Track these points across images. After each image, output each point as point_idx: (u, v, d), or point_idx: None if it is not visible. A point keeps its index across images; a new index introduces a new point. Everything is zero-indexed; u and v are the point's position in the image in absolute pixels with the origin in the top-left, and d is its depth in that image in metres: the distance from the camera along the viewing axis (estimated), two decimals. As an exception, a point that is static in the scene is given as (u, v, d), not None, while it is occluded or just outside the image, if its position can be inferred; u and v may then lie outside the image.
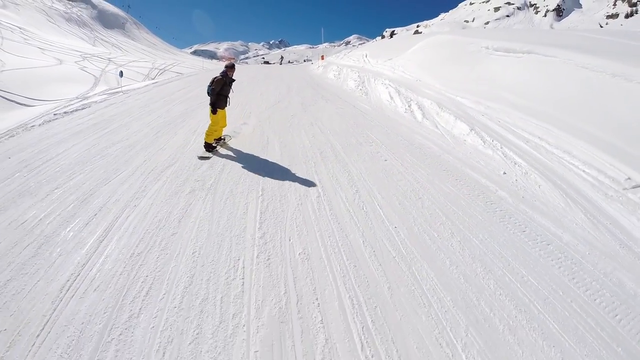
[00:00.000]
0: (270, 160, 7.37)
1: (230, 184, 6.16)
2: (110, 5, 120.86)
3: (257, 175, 6.53)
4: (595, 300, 3.52)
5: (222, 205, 5.39)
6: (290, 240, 4.53)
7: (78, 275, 3.88)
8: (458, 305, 3.39)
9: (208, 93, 7.84)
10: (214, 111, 7.74)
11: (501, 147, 7.57)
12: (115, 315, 3.33)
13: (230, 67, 8.16)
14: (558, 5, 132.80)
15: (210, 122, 7.91)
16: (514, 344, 3.02)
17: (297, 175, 6.53)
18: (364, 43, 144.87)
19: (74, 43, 57.58)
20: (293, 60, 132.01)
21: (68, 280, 3.80)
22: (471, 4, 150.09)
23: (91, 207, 5.31)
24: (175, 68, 45.19)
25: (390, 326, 3.20)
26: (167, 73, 38.41)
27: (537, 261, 4.07)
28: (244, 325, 3.22)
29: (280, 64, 48.19)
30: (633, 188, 5.62)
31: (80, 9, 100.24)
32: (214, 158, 7.56)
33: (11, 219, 4.94)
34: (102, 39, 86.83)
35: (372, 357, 2.93)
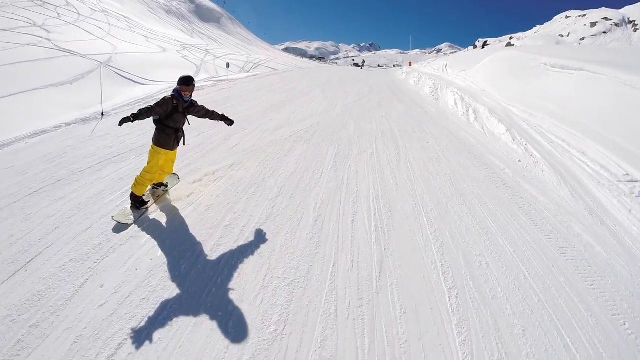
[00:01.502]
0: (346, 133, 10.31)
1: (318, 141, 9.30)
2: (207, 1, 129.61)
3: (336, 139, 9.57)
4: (536, 226, 5.67)
5: (313, 149, 8.62)
6: (349, 165, 7.62)
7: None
8: (434, 203, 6.13)
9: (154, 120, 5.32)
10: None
11: (526, 144, 9.65)
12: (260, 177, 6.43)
13: (185, 83, 5.23)
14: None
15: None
16: (458, 220, 5.61)
17: (361, 142, 9.43)
18: (455, 52, 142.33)
19: (174, 34, 62.01)
20: (383, 64, 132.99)
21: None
22: (567, 17, 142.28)
23: (230, 142, 8.80)
24: (269, 64, 48.67)
25: (392, 200, 6.05)
26: (261, 68, 42.01)
27: (505, 202, 6.44)
28: (318, 187, 6.23)
29: (361, 68, 46.73)
30: (627, 182, 6.90)
31: (179, 2, 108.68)
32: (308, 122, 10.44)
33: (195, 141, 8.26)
34: (199, 32, 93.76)
35: (377, 206, 5.78)
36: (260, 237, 4.84)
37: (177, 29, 79.14)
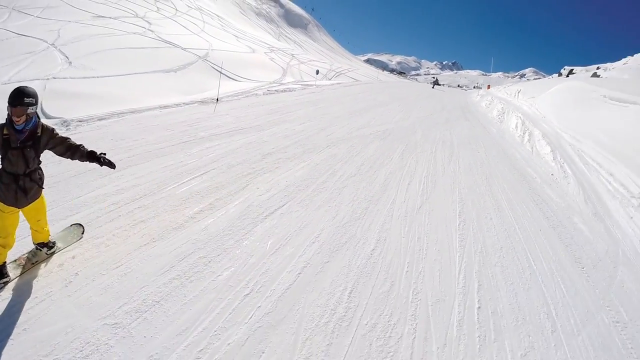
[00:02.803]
0: (413, 138, 13.02)
1: (391, 140, 12.07)
2: (296, 7, 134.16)
3: (405, 141, 12.27)
4: (541, 211, 8.20)
5: (387, 144, 11.39)
6: (412, 157, 10.09)
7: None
8: (467, 186, 8.60)
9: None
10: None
11: (563, 163, 11.74)
12: (349, 154, 9.19)
13: (11, 102, 3.37)
14: None
15: None
16: (480, 197, 8.11)
17: (425, 145, 12.11)
18: (539, 78, 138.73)
19: (262, 36, 65.86)
20: (463, 85, 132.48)
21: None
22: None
23: (325, 132, 11.67)
24: (350, 73, 51.58)
25: (437, 179, 8.59)
26: (342, 77, 44.71)
27: (523, 196, 8.82)
28: (389, 165, 8.89)
29: (433, 87, 46.47)
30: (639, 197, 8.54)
31: (269, 6, 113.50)
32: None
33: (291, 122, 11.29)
34: (285, 36, 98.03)
35: (427, 180, 8.29)
36: (350, 183, 7.73)
37: (265, 32, 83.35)
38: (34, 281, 3.79)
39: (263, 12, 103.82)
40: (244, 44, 41.05)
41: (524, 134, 15.83)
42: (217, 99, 13.80)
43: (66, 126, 8.96)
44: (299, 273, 4.46)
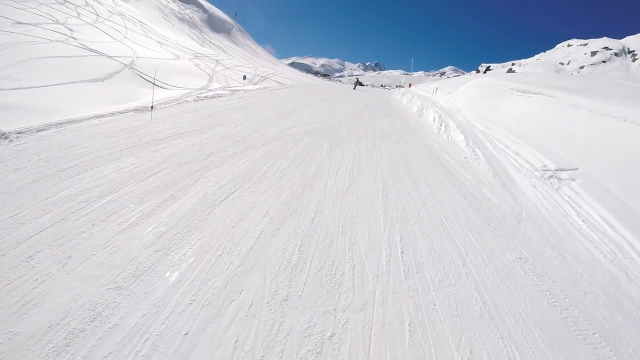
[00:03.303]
0: (339, 134, 14.42)
1: (319, 136, 13.39)
2: (220, 11, 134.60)
3: (332, 137, 13.64)
4: (453, 185, 9.87)
5: (316, 140, 12.61)
6: (339, 150, 11.46)
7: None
8: (388, 170, 10.06)
9: None
10: None
11: (475, 147, 13.36)
12: (283, 150, 10.31)
13: None
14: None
15: None
16: (400, 178, 9.57)
17: (350, 140, 13.53)
18: (458, 75, 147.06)
19: (185, 41, 65.85)
20: (386, 84, 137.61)
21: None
22: (569, 45, 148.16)
23: (259, 132, 12.78)
24: (276, 77, 52.61)
25: (362, 166, 9.92)
26: (268, 81, 45.70)
27: (438, 175, 10.48)
28: (319, 157, 10.14)
29: (354, 88, 45.20)
30: (542, 170, 9.85)
31: (192, 11, 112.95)
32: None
33: (222, 131, 12.25)
34: (209, 41, 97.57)
35: (352, 167, 9.66)
36: (286, 172, 8.85)
37: (189, 37, 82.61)
38: (32, 264, 4.46)
39: (186, 18, 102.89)
40: (168, 51, 41.11)
41: (440, 125, 17.44)
42: (152, 107, 14.38)
43: (5, 138, 9.29)
44: (257, 237, 5.65)
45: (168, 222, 5.79)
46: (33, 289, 4.11)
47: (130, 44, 34.29)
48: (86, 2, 46.85)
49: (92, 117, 11.92)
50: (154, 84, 17.38)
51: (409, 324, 4.23)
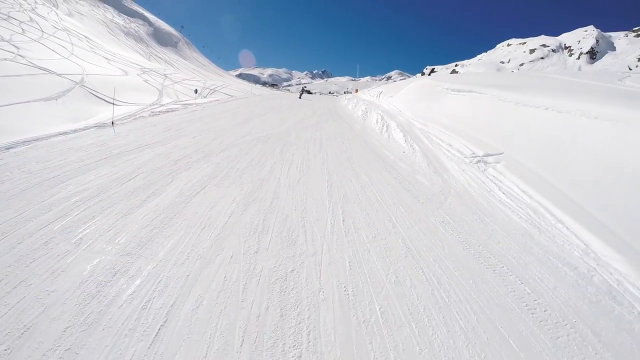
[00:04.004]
0: (289, 139, 16.07)
1: (271, 142, 14.96)
2: (165, 24, 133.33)
3: (283, 142, 15.30)
4: (390, 174, 11.63)
5: (268, 145, 14.27)
6: (289, 152, 13.13)
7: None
8: (333, 165, 11.79)
9: None
10: None
11: (412, 143, 15.15)
12: (240, 155, 11.84)
13: None
14: (592, 47, 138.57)
15: None
16: (343, 171, 11.31)
17: (299, 143, 15.22)
18: (404, 79, 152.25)
19: (132, 56, 64.69)
20: (334, 91, 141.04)
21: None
22: (508, 45, 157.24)
23: (217, 141, 14.24)
24: (225, 90, 52.78)
25: (310, 164, 11.63)
26: (217, 94, 45.95)
27: (378, 167, 12.25)
28: (272, 159, 11.73)
29: (300, 97, 49.87)
30: (471, 157, 11.29)
31: (138, 25, 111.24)
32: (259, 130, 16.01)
33: (180, 145, 13.61)
34: (156, 55, 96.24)
35: (302, 165, 11.29)
36: (246, 171, 10.42)
37: (136, 52, 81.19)
38: (50, 246, 5.65)
39: (132, 32, 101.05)
40: (115, 66, 40.75)
41: (382, 126, 19.22)
42: (113, 123, 15.56)
43: (-27, 156, 10.15)
44: (230, 216, 7.28)
45: (156, 211, 7.28)
46: (57, 261, 5.25)
47: (77, 60, 33.88)
48: (30, 18, 45.93)
49: (57, 134, 12.95)
50: (113, 104, 18.45)
51: (349, 262, 5.89)
